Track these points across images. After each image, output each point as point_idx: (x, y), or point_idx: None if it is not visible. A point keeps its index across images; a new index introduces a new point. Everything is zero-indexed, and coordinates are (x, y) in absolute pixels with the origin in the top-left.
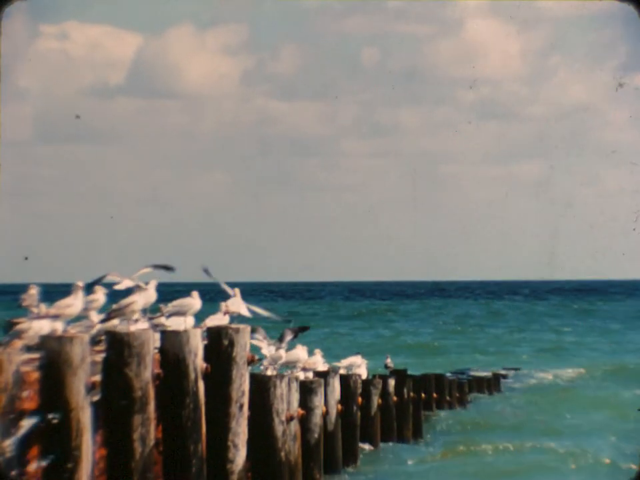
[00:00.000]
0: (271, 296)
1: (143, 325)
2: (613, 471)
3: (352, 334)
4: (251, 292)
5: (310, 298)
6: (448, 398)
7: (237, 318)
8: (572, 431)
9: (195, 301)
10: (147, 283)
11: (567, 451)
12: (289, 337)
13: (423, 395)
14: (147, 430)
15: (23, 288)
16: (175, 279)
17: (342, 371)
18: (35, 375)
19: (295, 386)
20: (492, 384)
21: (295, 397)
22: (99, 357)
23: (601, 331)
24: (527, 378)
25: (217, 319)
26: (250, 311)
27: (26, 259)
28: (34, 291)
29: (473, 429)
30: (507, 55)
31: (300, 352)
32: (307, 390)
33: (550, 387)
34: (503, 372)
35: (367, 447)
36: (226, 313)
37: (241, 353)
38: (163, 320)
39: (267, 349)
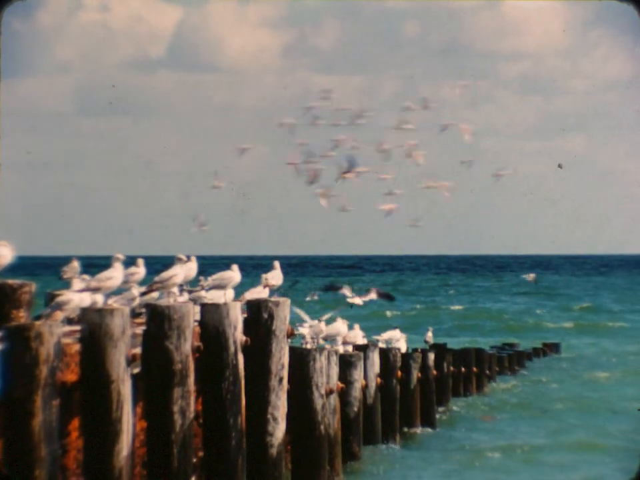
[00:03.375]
0: (310, 269)
1: (183, 297)
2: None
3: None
4: (290, 265)
5: (343, 273)
6: (487, 372)
7: (277, 291)
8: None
9: (234, 274)
10: (188, 257)
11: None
12: (372, 295)
13: (462, 368)
14: (187, 402)
15: (64, 260)
16: (214, 252)
17: (381, 345)
18: (76, 347)
19: (334, 359)
20: (532, 358)
21: (335, 370)
22: (140, 330)
23: None
24: (566, 353)
25: (257, 292)
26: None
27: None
28: (75, 264)
29: (509, 404)
30: (549, 29)
31: (340, 325)
32: (346, 363)
33: (586, 364)
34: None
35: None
36: (266, 286)
37: (281, 326)
38: (203, 293)
39: (353, 299)
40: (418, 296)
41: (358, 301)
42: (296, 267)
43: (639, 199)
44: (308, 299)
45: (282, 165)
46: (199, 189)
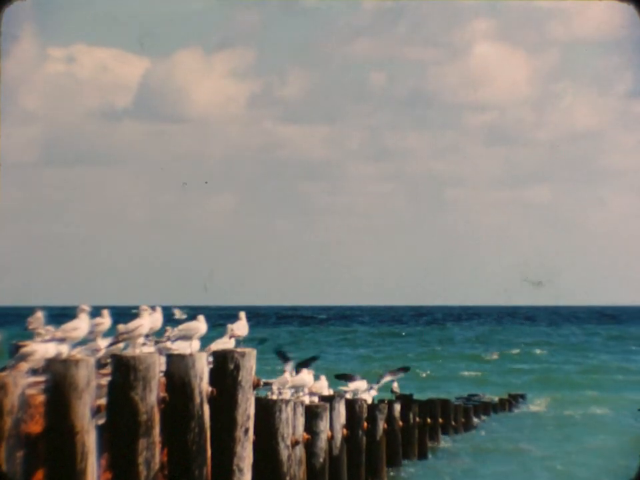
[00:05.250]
0: (275, 320)
1: (149, 348)
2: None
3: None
4: (255, 316)
5: (310, 323)
6: (453, 423)
7: (242, 342)
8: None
9: (200, 325)
10: (153, 308)
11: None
12: (388, 377)
13: (428, 420)
14: (152, 454)
15: (29, 311)
16: (181, 303)
17: (347, 396)
18: (40, 398)
19: (300, 410)
20: (498, 410)
21: (301, 421)
22: (105, 380)
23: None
24: (532, 405)
25: (223, 343)
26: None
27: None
28: (40, 314)
29: (476, 455)
30: (514, 80)
31: (306, 376)
32: (312, 414)
33: (552, 415)
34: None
35: None
36: (232, 336)
37: (247, 376)
38: (168, 343)
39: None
40: (369, 347)
41: (374, 393)
42: (258, 318)
43: (601, 251)
44: None
45: (247, 216)
46: (164, 238)
